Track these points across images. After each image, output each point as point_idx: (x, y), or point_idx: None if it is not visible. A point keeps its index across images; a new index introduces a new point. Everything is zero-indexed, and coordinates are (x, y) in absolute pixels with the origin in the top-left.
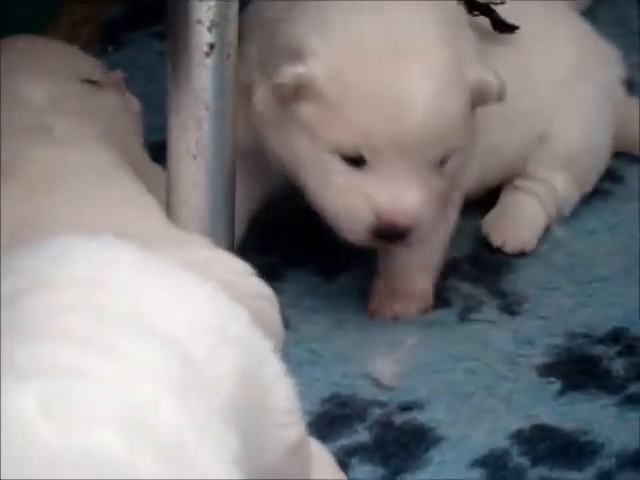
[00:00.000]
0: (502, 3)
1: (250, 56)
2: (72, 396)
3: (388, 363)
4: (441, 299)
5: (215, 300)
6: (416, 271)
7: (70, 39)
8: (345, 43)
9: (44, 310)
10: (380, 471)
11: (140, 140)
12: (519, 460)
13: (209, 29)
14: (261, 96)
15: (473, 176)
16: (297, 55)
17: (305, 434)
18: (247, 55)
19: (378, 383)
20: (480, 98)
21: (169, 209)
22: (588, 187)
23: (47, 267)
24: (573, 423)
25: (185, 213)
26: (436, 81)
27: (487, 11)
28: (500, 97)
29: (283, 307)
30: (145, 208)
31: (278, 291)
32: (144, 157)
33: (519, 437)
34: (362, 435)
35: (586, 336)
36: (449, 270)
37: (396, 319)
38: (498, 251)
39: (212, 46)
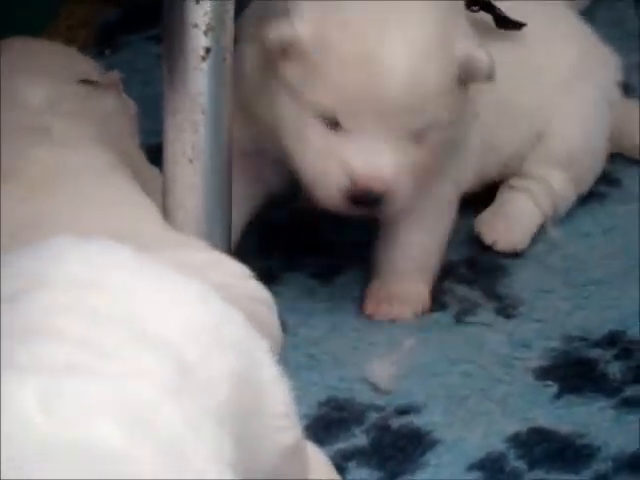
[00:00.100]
0: None
1: (246, 19)
2: (71, 393)
3: (385, 366)
4: (437, 302)
5: (209, 302)
6: (413, 274)
7: (67, 42)
8: (332, 5)
9: (43, 310)
10: (377, 475)
11: (137, 142)
12: (516, 463)
13: (205, 33)
14: (249, 57)
15: (471, 172)
16: (285, 15)
17: (301, 438)
18: (243, 23)
19: (375, 387)
20: (468, 74)
21: (165, 212)
22: (585, 187)
23: (46, 267)
24: (570, 426)
25: (181, 216)
26: (419, 50)
27: (488, 7)
28: (490, 76)
29: (281, 310)
30: (143, 210)
31: (275, 294)
32: (141, 159)
33: (516, 440)
34: (359, 439)
35: (582, 339)
36: (445, 273)
37: (393, 322)
38: (490, 250)
39: (208, 50)
